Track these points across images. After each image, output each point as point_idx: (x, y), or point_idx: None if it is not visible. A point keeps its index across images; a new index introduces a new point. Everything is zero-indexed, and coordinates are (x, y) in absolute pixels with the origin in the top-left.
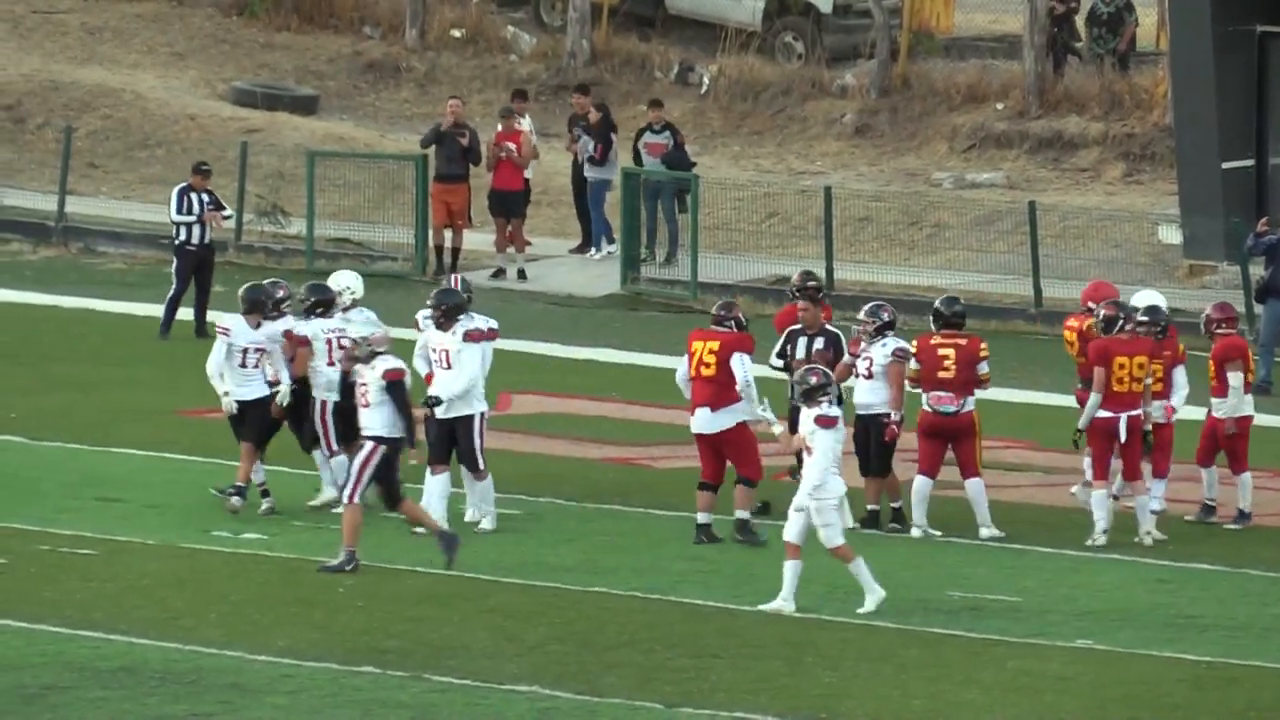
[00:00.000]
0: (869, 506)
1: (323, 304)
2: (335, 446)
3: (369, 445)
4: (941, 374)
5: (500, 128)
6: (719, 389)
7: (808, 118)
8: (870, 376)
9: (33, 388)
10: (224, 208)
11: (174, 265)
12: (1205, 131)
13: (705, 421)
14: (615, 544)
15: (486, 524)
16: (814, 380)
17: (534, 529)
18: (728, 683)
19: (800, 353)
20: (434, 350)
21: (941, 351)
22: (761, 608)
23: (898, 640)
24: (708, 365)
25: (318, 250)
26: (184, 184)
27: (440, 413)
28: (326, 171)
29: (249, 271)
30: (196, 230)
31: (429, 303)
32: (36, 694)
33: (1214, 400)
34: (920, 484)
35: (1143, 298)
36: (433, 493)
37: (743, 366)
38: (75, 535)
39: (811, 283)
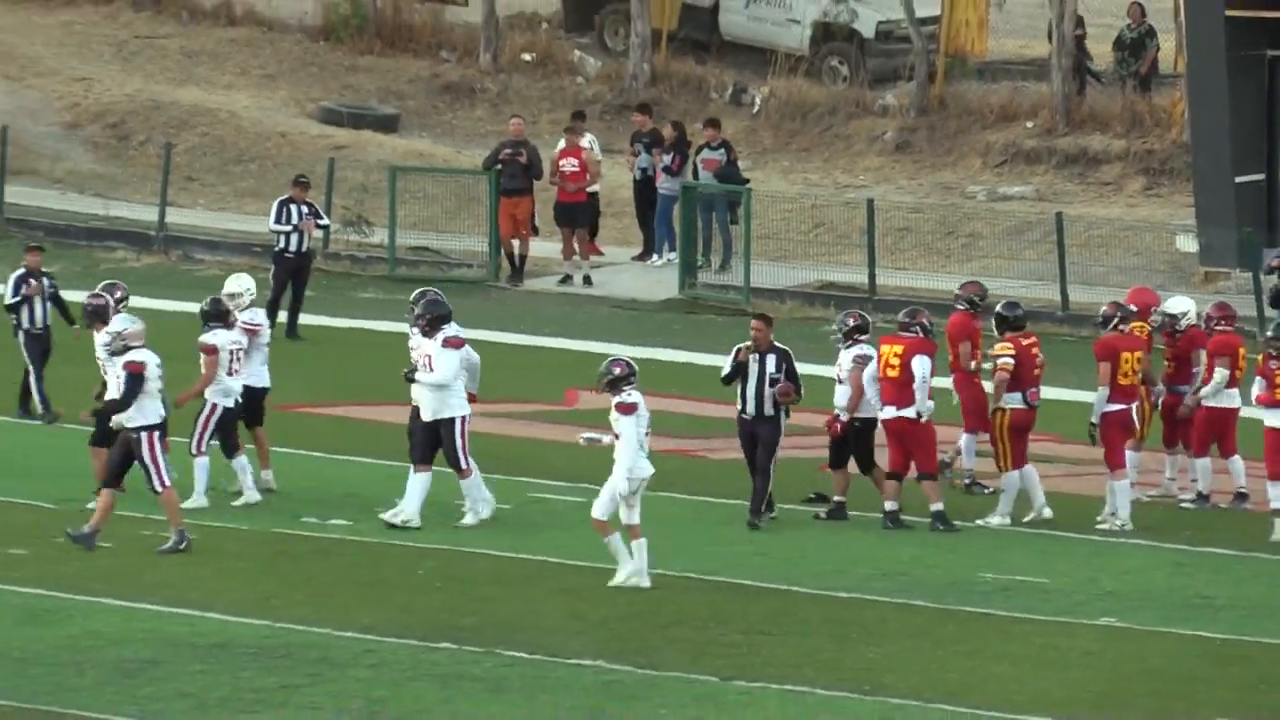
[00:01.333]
0: (838, 497)
1: (217, 315)
2: (203, 448)
3: (144, 435)
4: (1037, 371)
5: (563, 144)
6: (901, 388)
7: (852, 135)
8: (840, 381)
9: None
10: (321, 217)
11: (271, 271)
12: (1219, 148)
13: (890, 415)
14: (673, 529)
15: (469, 519)
16: (617, 371)
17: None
18: (777, 657)
19: (753, 370)
20: (415, 352)
21: (1035, 351)
22: (611, 583)
23: (935, 618)
24: (893, 367)
25: (399, 258)
26: (284, 196)
27: (426, 416)
28: (407, 185)
29: (336, 278)
30: (294, 239)
31: (415, 311)
32: (137, 668)
33: (1204, 389)
34: (1028, 475)
35: (1175, 303)
36: (413, 490)
37: (922, 367)
38: (165, 521)
39: (976, 294)
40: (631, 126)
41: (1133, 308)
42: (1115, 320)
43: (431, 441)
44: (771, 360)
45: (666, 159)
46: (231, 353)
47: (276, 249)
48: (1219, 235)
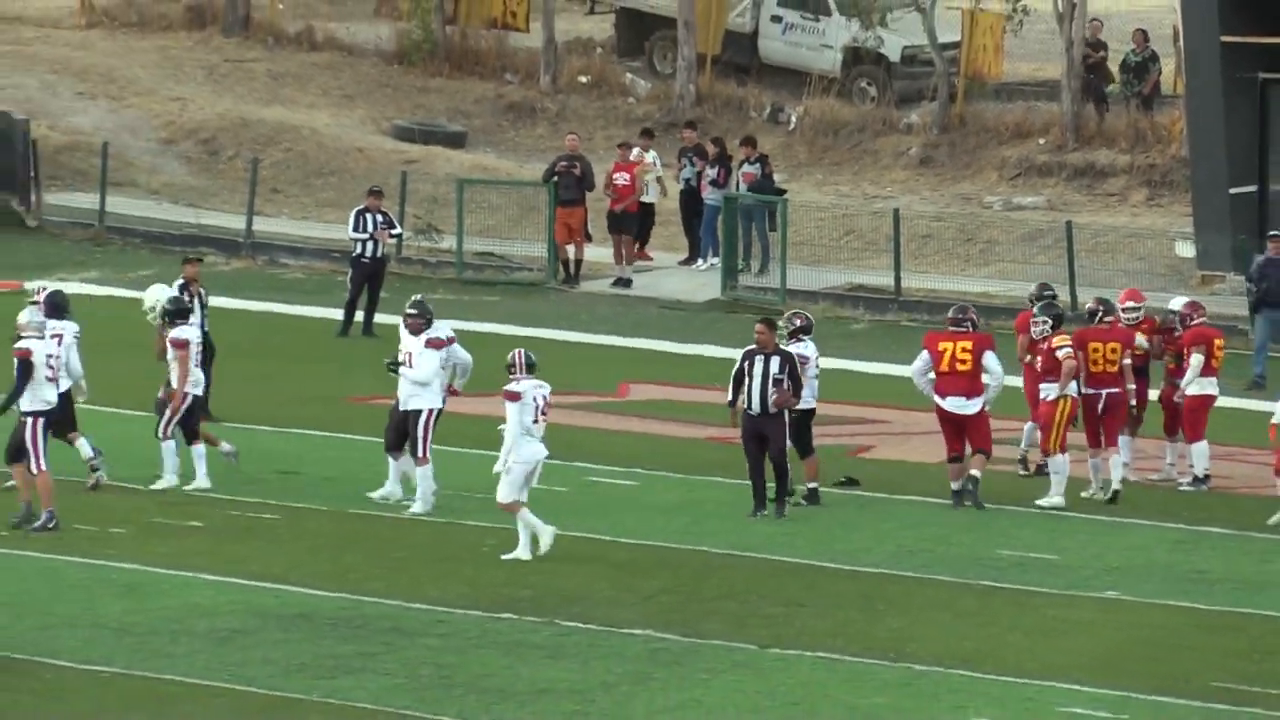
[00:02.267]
0: (809, 485)
1: (179, 313)
2: (169, 432)
3: (30, 420)
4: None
5: (618, 159)
6: (972, 380)
7: (879, 150)
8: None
9: (225, 378)
10: (395, 226)
11: (349, 275)
12: (1215, 162)
13: (960, 405)
14: (716, 510)
15: (417, 507)
16: (508, 359)
17: (647, 497)
18: (810, 627)
19: (758, 370)
20: (401, 350)
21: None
22: (504, 556)
23: (955, 591)
24: (964, 361)
25: (466, 262)
26: (361, 205)
27: (403, 405)
28: (473, 196)
29: (409, 280)
30: (370, 245)
31: (409, 309)
32: (227, 636)
33: (1184, 379)
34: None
35: (1177, 302)
36: (392, 475)
37: (997, 361)
38: (260, 502)
39: (1048, 292)
40: (679, 142)
41: (1114, 304)
42: (1099, 314)
43: (402, 427)
44: (775, 361)
45: (712, 172)
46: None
47: (354, 254)
48: (1215, 242)
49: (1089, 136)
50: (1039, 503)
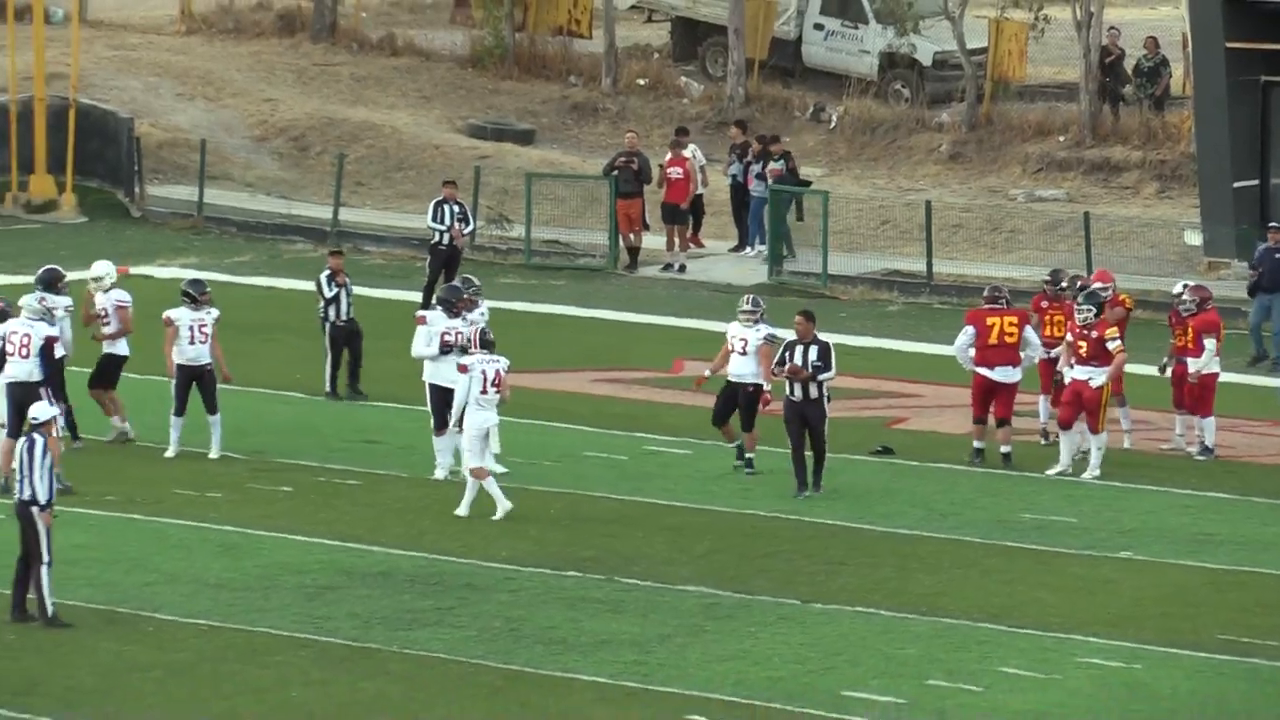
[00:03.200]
0: (747, 454)
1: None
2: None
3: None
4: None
5: (670, 155)
6: (1015, 351)
7: (913, 147)
8: (744, 354)
9: (313, 356)
10: (468, 221)
11: (427, 261)
12: (1221, 158)
13: (1008, 374)
14: (762, 477)
15: (439, 473)
16: (490, 338)
17: (700, 465)
18: (850, 584)
19: (797, 358)
20: (448, 332)
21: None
22: (494, 517)
23: (982, 551)
24: (1010, 334)
25: (534, 250)
26: (439, 197)
27: (444, 384)
28: (541, 189)
29: (482, 266)
30: (447, 235)
31: (444, 294)
32: (315, 592)
33: (1190, 359)
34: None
35: (1180, 286)
36: (443, 449)
37: (1036, 332)
38: (345, 469)
39: (1065, 283)
40: (728, 140)
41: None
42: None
43: (447, 408)
44: (814, 350)
45: (758, 167)
46: (192, 327)
47: (432, 242)
48: (1220, 231)
49: (1105, 134)
50: (1084, 476)
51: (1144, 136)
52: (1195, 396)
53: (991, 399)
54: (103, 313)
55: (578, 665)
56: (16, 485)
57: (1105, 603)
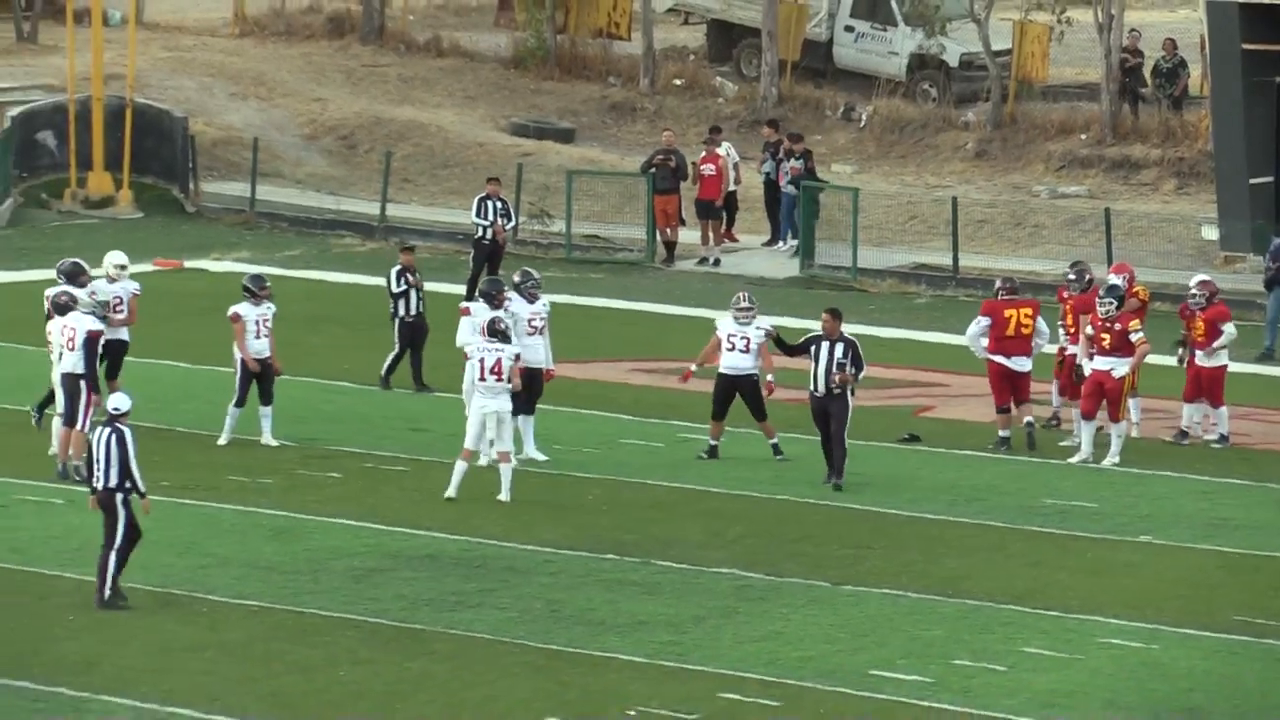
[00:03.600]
0: (712, 441)
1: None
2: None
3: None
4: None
5: (703, 152)
6: (1029, 341)
7: (940, 145)
8: (746, 350)
9: (363, 346)
10: (510, 216)
11: (471, 255)
12: (1237, 156)
13: (1023, 364)
14: (794, 464)
15: (483, 460)
16: (501, 327)
17: (733, 452)
18: (878, 567)
19: (823, 355)
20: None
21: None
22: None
23: (1006, 535)
24: (1026, 326)
25: (574, 244)
26: (482, 193)
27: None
28: (581, 185)
29: (523, 260)
30: (490, 230)
31: (517, 280)
32: (363, 574)
33: (1198, 351)
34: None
35: (1195, 280)
36: (525, 431)
37: (1044, 323)
38: (392, 456)
39: (1080, 268)
40: (762, 138)
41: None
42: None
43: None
44: (840, 347)
45: (787, 165)
46: (258, 322)
47: (476, 237)
48: (1236, 226)
49: (1125, 133)
50: (1104, 463)
51: (1163, 135)
52: (1207, 388)
53: (1012, 387)
54: (117, 301)
55: (616, 645)
56: (99, 475)
57: (1125, 585)
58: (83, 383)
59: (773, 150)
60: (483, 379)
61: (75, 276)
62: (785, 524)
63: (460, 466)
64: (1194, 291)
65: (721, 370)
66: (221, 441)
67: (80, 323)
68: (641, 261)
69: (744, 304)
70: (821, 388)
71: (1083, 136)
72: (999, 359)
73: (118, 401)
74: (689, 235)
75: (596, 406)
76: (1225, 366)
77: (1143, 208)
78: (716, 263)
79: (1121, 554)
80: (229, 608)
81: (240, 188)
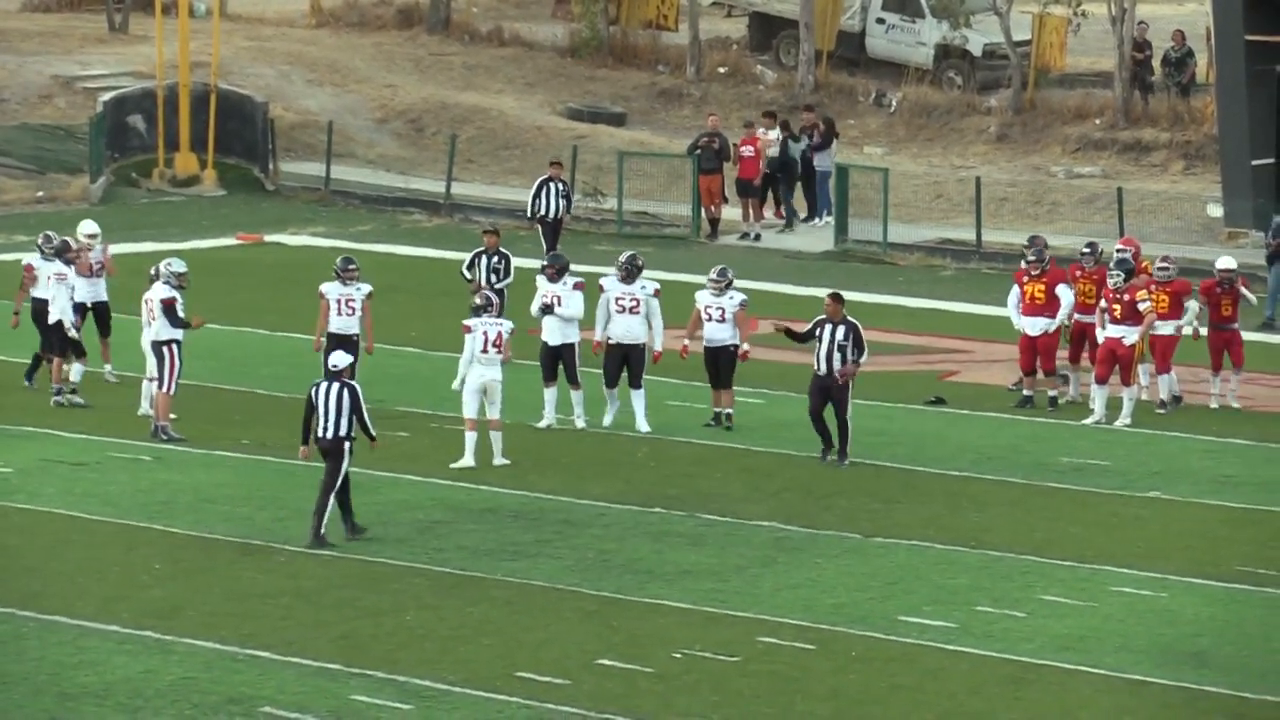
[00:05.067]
0: (715, 410)
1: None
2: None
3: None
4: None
5: (744, 135)
6: (1048, 308)
7: (964, 129)
8: (723, 320)
9: (428, 314)
10: (570, 197)
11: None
12: (1240, 139)
13: (1039, 325)
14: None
15: (579, 423)
16: (479, 301)
17: (772, 413)
18: (906, 520)
19: (825, 338)
20: (547, 295)
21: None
22: (453, 465)
23: (1025, 491)
24: (1039, 298)
25: (625, 220)
26: (544, 175)
27: (553, 342)
28: (631, 165)
29: (579, 235)
30: (551, 206)
31: (546, 261)
32: (428, 526)
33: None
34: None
35: (1223, 261)
36: (548, 400)
37: (1068, 291)
38: (455, 417)
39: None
40: (799, 122)
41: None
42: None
43: (554, 362)
44: (841, 330)
45: (805, 142)
46: (339, 301)
47: (539, 215)
48: (1239, 205)
49: (1136, 117)
50: (1116, 424)
51: (1172, 120)
52: (1159, 354)
53: (1034, 353)
54: (97, 265)
55: (662, 592)
56: (328, 425)
57: (1136, 537)
58: (165, 349)
59: (809, 133)
60: (485, 351)
61: (63, 252)
62: (821, 480)
63: (470, 436)
64: (1161, 265)
65: (704, 343)
66: None
67: (156, 293)
68: (687, 236)
69: (714, 275)
70: (824, 368)
71: (1097, 121)
72: (1026, 324)
73: (338, 359)
74: (731, 212)
75: (646, 370)
76: (1178, 337)
77: (1152, 187)
78: (757, 237)
79: (1132, 508)
80: (304, 557)
81: (316, 168)
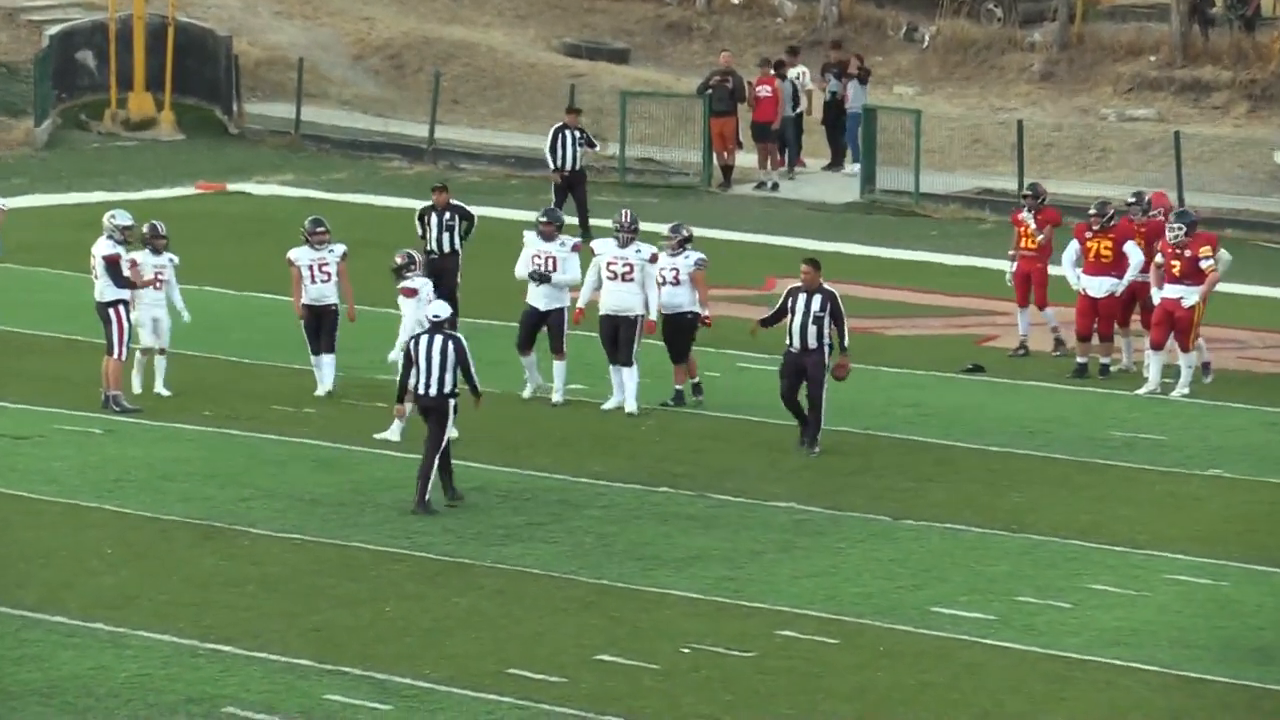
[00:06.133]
0: (676, 387)
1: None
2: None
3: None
4: None
5: (759, 74)
6: (1113, 267)
7: (1005, 67)
8: (677, 283)
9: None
10: (593, 143)
11: (553, 187)
12: None
13: (1104, 287)
14: (853, 393)
15: (557, 397)
16: (399, 260)
17: None
18: (939, 501)
19: (799, 308)
20: (539, 256)
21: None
22: (376, 435)
23: (1072, 468)
24: (1106, 256)
25: (628, 168)
26: (559, 123)
27: (541, 307)
28: (635, 107)
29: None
30: (567, 158)
31: (540, 217)
32: (409, 507)
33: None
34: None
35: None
36: (527, 366)
37: (1137, 250)
38: None
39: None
40: (821, 59)
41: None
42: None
43: (537, 328)
44: (817, 300)
45: (856, 86)
46: (312, 267)
47: (556, 167)
48: None
49: (1195, 54)
50: (1173, 394)
51: (1234, 56)
52: (1179, 325)
53: (1093, 315)
54: None
55: (669, 580)
56: (430, 381)
57: (1193, 519)
58: (110, 310)
59: (836, 71)
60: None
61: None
62: (844, 455)
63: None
64: (1174, 225)
65: (663, 310)
66: (318, 392)
67: (98, 249)
68: (697, 186)
69: (667, 233)
70: (797, 343)
71: (1152, 58)
72: (1085, 284)
73: (439, 309)
74: (746, 159)
75: (650, 335)
76: (1187, 304)
77: (1213, 131)
78: (775, 187)
79: (1190, 487)
80: (271, 541)
81: (285, 109)
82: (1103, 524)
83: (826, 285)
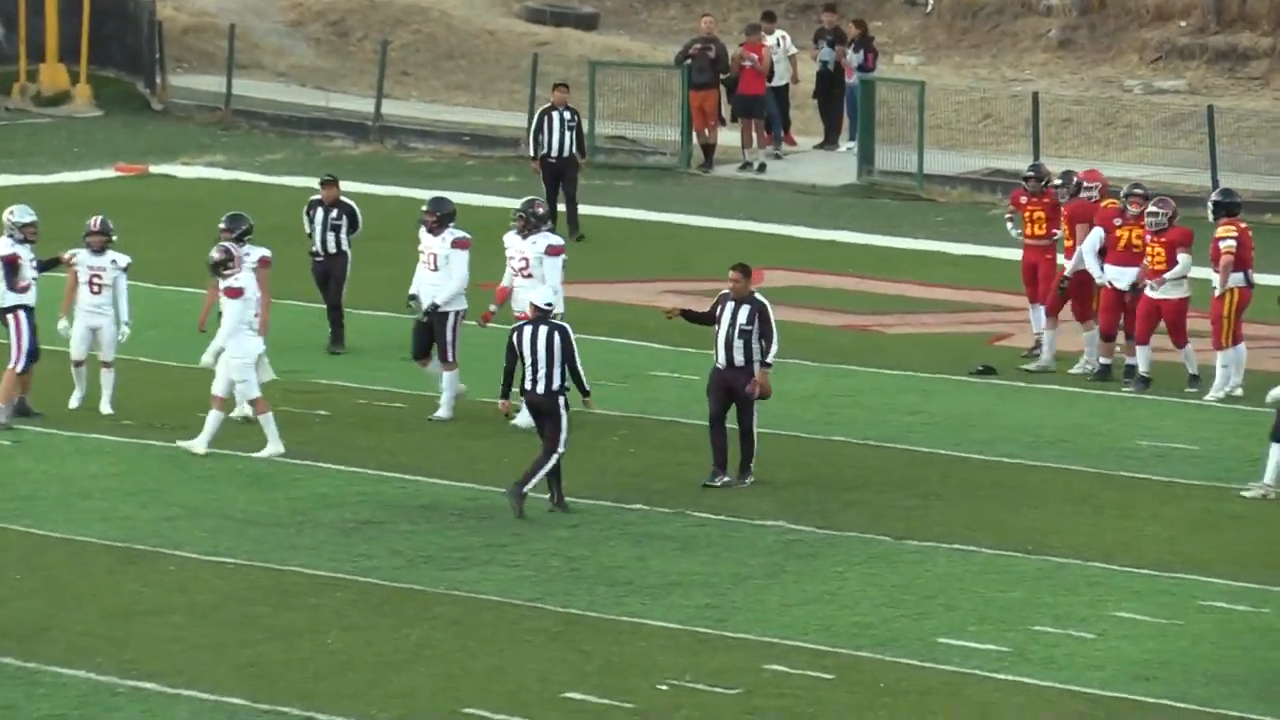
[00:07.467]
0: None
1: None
2: None
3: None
4: (1252, 252)
5: (744, 41)
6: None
7: (1018, 33)
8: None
9: (357, 264)
10: (581, 130)
11: (541, 176)
12: None
13: (1129, 276)
14: (850, 399)
15: (442, 412)
16: (217, 256)
17: (780, 385)
18: (947, 519)
19: (725, 320)
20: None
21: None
22: (179, 444)
23: (1095, 483)
24: (1138, 245)
25: (598, 146)
26: (547, 104)
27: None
28: (605, 79)
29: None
30: (554, 144)
31: (519, 210)
32: (354, 528)
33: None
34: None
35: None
36: (437, 374)
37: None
38: (387, 391)
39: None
40: (814, 24)
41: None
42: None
43: (430, 335)
44: (745, 311)
45: (857, 56)
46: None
47: (541, 154)
48: None
49: (1231, 19)
50: (1207, 397)
51: (1274, 21)
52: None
53: (1120, 311)
54: None
55: (644, 609)
56: (538, 377)
57: (1230, 540)
58: (9, 317)
59: (830, 38)
60: (257, 314)
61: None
62: (840, 469)
63: (216, 417)
64: (1153, 209)
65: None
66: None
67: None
68: (675, 167)
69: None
70: (723, 358)
71: (1182, 23)
72: (1112, 276)
73: (542, 296)
74: (729, 137)
75: (623, 334)
76: (1186, 299)
77: (1251, 105)
78: (761, 168)
79: (1231, 504)
80: (199, 565)
81: (214, 82)
82: (1130, 544)
83: (758, 295)
